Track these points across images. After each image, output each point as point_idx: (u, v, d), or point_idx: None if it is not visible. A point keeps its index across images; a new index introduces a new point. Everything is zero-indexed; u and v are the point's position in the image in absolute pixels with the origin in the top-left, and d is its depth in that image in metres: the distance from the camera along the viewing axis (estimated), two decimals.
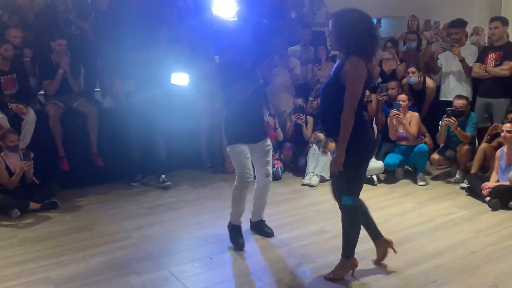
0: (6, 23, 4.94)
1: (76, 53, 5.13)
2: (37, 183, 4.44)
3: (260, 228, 3.72)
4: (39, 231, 3.89)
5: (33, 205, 4.28)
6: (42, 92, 5.26)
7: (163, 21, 5.70)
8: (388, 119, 5.15)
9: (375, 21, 6.62)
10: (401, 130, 5.14)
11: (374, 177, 5.07)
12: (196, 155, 5.78)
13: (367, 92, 5.54)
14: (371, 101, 5.54)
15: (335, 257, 3.19)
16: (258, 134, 3.49)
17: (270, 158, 3.56)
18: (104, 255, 3.37)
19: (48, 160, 4.79)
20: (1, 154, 4.31)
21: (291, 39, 6.27)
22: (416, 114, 5.24)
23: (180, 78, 5.04)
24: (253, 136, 3.44)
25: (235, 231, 3.56)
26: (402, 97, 5.21)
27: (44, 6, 5.21)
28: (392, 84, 5.52)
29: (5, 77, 4.64)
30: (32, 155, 4.35)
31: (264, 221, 3.76)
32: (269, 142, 3.57)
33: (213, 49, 5.54)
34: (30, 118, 4.65)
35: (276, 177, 5.21)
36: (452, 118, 4.80)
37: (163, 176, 5.09)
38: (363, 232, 2.95)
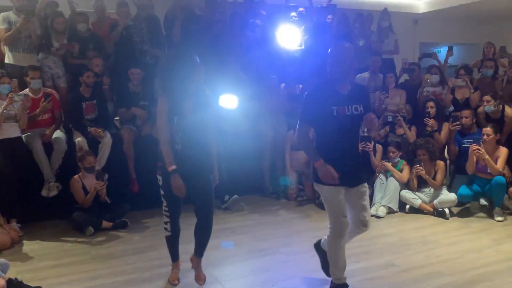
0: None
1: (150, 81, 5.42)
2: (109, 202, 4.67)
3: None
4: (110, 248, 4.07)
5: (105, 223, 4.49)
6: (117, 118, 5.59)
7: (231, 52, 5.88)
8: (469, 151, 4.77)
9: (446, 48, 6.50)
10: (481, 163, 4.80)
11: (446, 210, 4.78)
12: (258, 180, 5.80)
13: (432, 121, 5.29)
14: (436, 130, 5.29)
15: None
16: (361, 175, 2.97)
17: (367, 202, 2.97)
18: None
19: (120, 181, 5.02)
20: (79, 174, 4.60)
21: (359, 66, 6.22)
22: (505, 149, 4.79)
23: (229, 101, 5.01)
24: (353, 178, 2.91)
25: None
26: (487, 130, 4.77)
27: (121, 36, 5.57)
28: (466, 112, 5.25)
29: (87, 103, 4.99)
30: (106, 176, 4.62)
31: None
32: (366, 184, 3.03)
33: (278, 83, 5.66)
34: (106, 141, 4.92)
35: None
36: None
37: (227, 196, 5.15)
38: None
